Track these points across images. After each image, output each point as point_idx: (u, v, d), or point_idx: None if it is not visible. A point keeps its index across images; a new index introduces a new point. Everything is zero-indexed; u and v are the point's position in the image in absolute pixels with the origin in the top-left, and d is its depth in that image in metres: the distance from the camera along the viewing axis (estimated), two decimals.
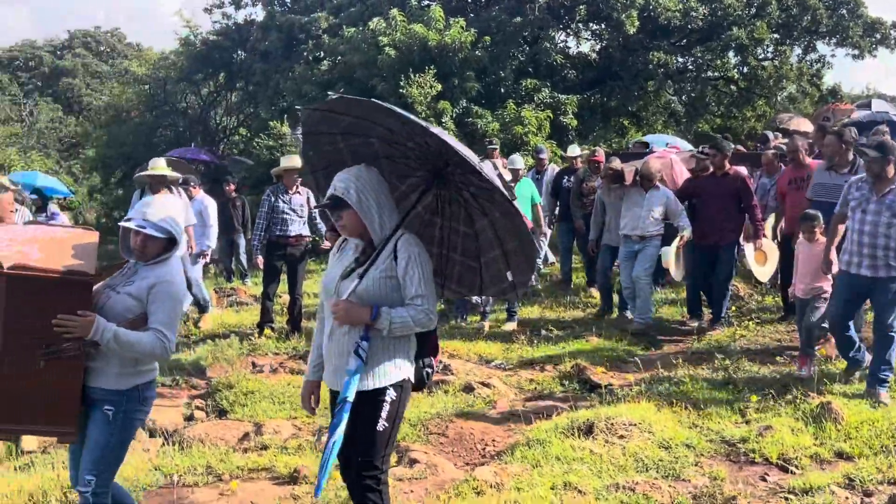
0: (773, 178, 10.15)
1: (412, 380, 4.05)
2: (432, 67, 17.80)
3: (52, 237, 4.29)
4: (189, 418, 7.49)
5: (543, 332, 9.88)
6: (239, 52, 25.03)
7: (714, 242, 9.34)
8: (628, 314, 10.11)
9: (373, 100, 3.88)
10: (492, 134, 17.30)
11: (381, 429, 3.89)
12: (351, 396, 3.78)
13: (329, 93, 3.38)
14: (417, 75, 17.64)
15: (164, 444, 6.74)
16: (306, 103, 19.11)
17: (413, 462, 5.94)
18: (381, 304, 3.87)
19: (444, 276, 4.40)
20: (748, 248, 9.47)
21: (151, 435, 7.02)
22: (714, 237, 9.32)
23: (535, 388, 7.94)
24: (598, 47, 22.61)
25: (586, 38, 23.10)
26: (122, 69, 31.03)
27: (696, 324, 9.63)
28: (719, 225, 9.28)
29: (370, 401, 3.89)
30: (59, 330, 3.95)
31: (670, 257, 9.37)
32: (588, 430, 6.12)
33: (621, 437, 6.04)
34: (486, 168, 3.92)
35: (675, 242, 9.38)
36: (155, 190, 9.84)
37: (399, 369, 3.96)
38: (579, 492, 5.20)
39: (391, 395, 3.90)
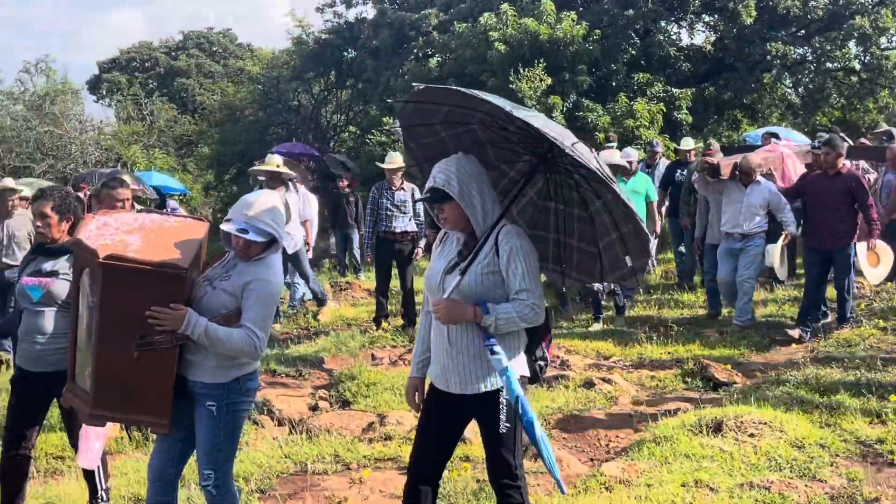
0: None
1: (527, 376, 3.91)
2: (542, 62, 17.71)
3: (159, 226, 4.28)
4: (314, 408, 7.66)
5: (661, 329, 9.74)
6: (349, 50, 25.40)
7: (827, 248, 8.87)
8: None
9: (456, 87, 3.79)
10: (603, 128, 17.14)
11: (504, 430, 3.77)
12: (518, 390, 3.66)
13: (414, 84, 3.37)
14: (527, 70, 17.59)
15: (290, 432, 6.92)
16: None
17: (537, 456, 5.94)
18: (486, 300, 3.73)
19: (563, 264, 4.21)
20: (860, 248, 9.05)
21: (279, 424, 7.23)
22: (827, 241, 8.83)
23: (657, 386, 7.84)
24: (712, 39, 22.12)
25: (700, 30, 22.62)
26: (236, 69, 31.86)
27: (798, 334, 9.00)
28: (832, 227, 8.78)
29: (488, 403, 3.80)
30: (152, 321, 3.94)
31: (774, 256, 9.08)
32: (717, 428, 6.00)
33: (751, 435, 5.90)
34: (582, 150, 3.65)
35: (780, 241, 9.10)
36: (270, 186, 10.06)
37: (512, 368, 3.76)
38: (711, 489, 5.11)
39: (505, 395, 3.76)
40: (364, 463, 6.00)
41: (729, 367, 7.98)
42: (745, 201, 9.29)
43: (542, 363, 3.97)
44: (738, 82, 20.49)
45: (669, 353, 8.80)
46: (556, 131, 3.59)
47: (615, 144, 13.35)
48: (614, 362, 8.65)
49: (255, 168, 11.25)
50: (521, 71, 17.54)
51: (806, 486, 5.17)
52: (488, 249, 3.76)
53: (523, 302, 3.70)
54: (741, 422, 6.02)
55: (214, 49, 49.41)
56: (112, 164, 23.93)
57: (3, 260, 9.76)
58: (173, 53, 48.28)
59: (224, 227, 4.13)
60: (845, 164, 9.12)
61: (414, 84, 3.99)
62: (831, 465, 5.56)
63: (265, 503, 5.40)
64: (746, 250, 9.28)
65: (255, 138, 25.45)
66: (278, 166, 10.45)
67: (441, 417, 3.92)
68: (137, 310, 3.93)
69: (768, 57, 19.88)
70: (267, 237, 4.13)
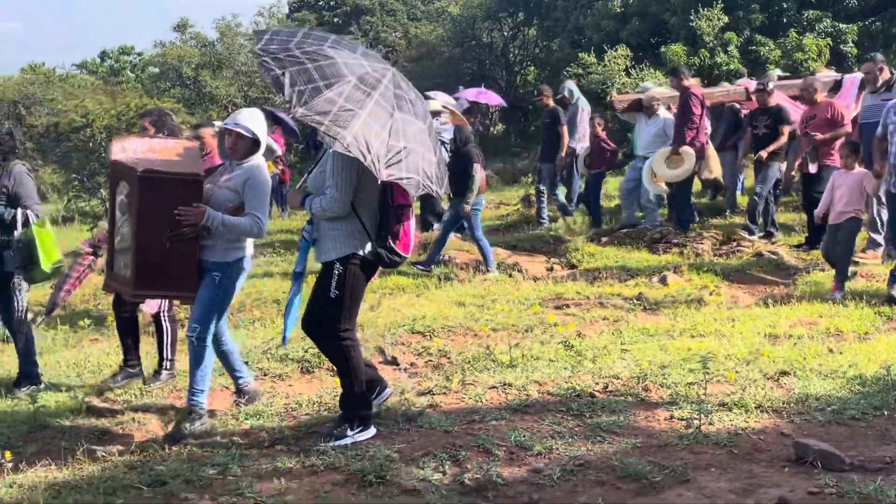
0: None
1: (360, 254, 4.75)
2: (720, 1, 19.79)
3: (164, 147, 5.34)
4: (549, 269, 10.63)
5: None
6: None
7: None
8: None
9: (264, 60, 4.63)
10: (773, 61, 19.10)
11: (333, 296, 4.73)
12: (299, 268, 4.96)
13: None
14: (706, 9, 19.74)
15: (534, 280, 9.89)
16: (605, 38, 21.75)
17: None
18: (317, 194, 4.75)
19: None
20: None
21: (524, 278, 10.21)
22: None
23: None
24: None
25: None
26: (436, 9, 34.67)
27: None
28: None
29: (323, 271, 4.81)
30: (180, 218, 4.98)
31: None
32: None
33: None
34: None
35: None
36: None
37: (341, 247, 4.73)
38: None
39: (338, 268, 4.73)
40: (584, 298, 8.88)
41: None
42: None
43: (382, 251, 4.75)
44: None
45: None
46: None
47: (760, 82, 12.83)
48: None
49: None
50: (700, 10, 19.69)
51: None
52: (324, 156, 4.84)
53: (325, 195, 4.70)
54: None
55: None
56: None
57: None
58: None
59: (218, 123, 5.85)
60: None
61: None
62: None
63: (543, 306, 8.28)
64: None
65: (451, 73, 28.34)
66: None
67: None
68: (167, 210, 4.97)
69: None
70: (251, 134, 5.17)
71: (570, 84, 13.81)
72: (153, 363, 6.56)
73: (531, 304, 8.13)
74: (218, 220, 5.03)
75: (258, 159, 5.27)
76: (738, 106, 12.41)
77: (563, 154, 12.53)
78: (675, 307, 7.91)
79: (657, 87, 13.46)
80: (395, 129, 4.59)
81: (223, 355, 5.63)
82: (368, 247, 4.76)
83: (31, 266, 6.43)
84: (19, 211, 6.36)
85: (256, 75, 25.73)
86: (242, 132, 5.13)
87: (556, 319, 7.32)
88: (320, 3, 51.95)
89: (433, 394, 5.63)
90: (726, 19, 19.79)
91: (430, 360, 6.63)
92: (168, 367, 6.40)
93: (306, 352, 6.56)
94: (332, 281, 4.70)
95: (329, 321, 4.76)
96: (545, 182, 12.99)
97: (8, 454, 4.72)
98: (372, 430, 4.86)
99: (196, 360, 5.27)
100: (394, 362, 6.71)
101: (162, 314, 6.41)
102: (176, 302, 6.57)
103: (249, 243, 5.50)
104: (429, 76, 29.10)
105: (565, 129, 12.46)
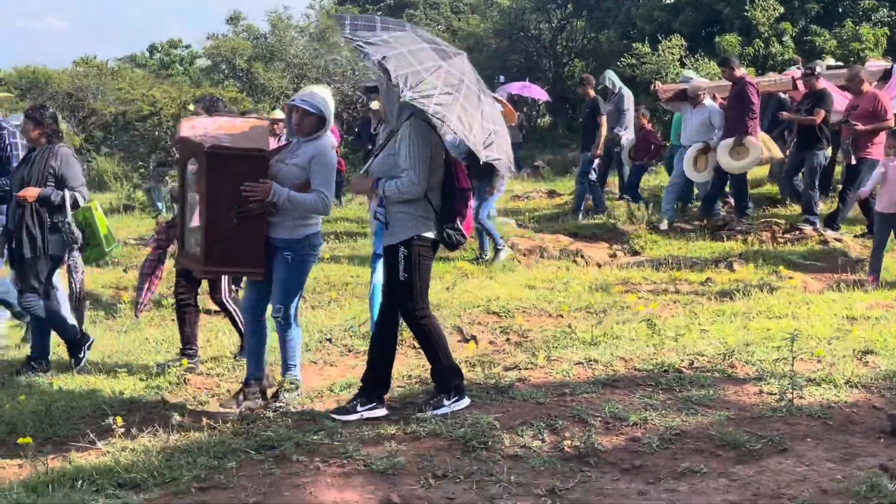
0: None
1: (431, 237, 4.84)
2: None
3: (232, 125, 5.38)
4: (612, 255, 10.70)
5: None
6: None
7: None
8: None
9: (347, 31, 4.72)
10: (829, 51, 18.98)
11: (403, 278, 4.81)
12: (378, 250, 5.06)
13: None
14: None
15: (598, 267, 9.98)
16: (657, 28, 21.72)
17: None
18: (389, 177, 4.75)
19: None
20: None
21: (587, 264, 10.31)
22: None
23: None
24: None
25: None
26: (484, 0, 34.74)
27: None
28: None
29: (390, 255, 4.87)
30: (247, 194, 4.99)
31: None
32: None
33: None
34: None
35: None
36: None
37: (407, 230, 4.78)
38: None
39: (403, 251, 4.78)
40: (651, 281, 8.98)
41: None
42: None
43: (451, 232, 4.85)
44: None
45: None
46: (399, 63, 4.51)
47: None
48: None
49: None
50: (756, 0, 19.59)
51: None
52: (393, 139, 4.82)
53: (402, 178, 4.71)
54: None
55: None
56: None
57: None
58: None
59: (287, 102, 5.41)
60: None
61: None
62: None
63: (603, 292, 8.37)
64: None
65: (498, 65, 28.42)
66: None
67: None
68: (234, 186, 4.99)
69: None
70: (316, 111, 5.17)
71: (611, 74, 13.86)
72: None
73: (602, 287, 8.21)
74: (284, 196, 5.03)
75: (325, 136, 5.30)
76: (783, 95, 12.40)
77: (601, 143, 12.55)
78: (747, 291, 7.95)
79: (699, 77, 13.56)
80: (484, 112, 4.70)
81: (263, 341, 5.55)
82: (433, 228, 4.83)
83: (84, 247, 6.55)
84: (67, 193, 6.40)
85: (308, 67, 25.97)
86: (309, 109, 5.15)
87: (635, 299, 7.41)
88: None
89: (520, 368, 5.75)
90: (782, 9, 19.69)
91: (511, 339, 6.75)
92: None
93: None
94: (399, 264, 4.77)
95: (402, 303, 4.85)
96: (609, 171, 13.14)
97: (119, 419, 4.89)
98: (467, 400, 4.98)
99: (285, 338, 5.38)
100: (472, 340, 6.84)
101: (226, 299, 6.49)
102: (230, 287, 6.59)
103: (319, 219, 5.50)
104: (475, 68, 29.24)
105: (604, 119, 12.50)
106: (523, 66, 29.10)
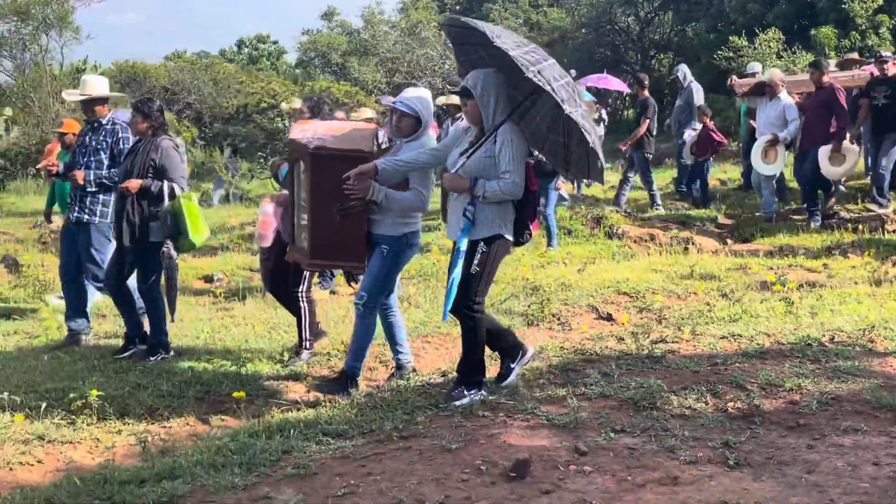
0: None
1: (510, 238, 5.05)
2: None
3: (339, 127, 5.65)
4: (724, 243, 11.02)
5: None
6: None
7: None
8: None
9: (462, 18, 4.92)
10: None
11: (474, 272, 4.96)
12: (462, 246, 4.92)
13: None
14: None
15: (714, 254, 10.29)
16: (750, 20, 21.77)
17: None
18: (481, 178, 4.88)
19: (566, 162, 5.35)
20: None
21: (698, 251, 10.63)
22: None
23: None
24: None
25: None
26: None
27: None
28: None
29: (470, 250, 4.97)
30: (348, 192, 5.20)
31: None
32: None
33: None
34: (546, 75, 4.64)
35: None
36: None
37: (491, 228, 4.94)
38: None
39: (482, 247, 4.96)
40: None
41: None
42: None
43: (527, 232, 5.11)
44: None
45: None
46: (529, 59, 4.60)
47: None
48: None
49: None
50: None
51: None
52: (489, 141, 4.91)
53: (506, 180, 4.88)
54: None
55: None
56: None
57: None
58: None
59: (384, 100, 6.33)
60: None
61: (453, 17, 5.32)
62: None
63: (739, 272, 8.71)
64: None
65: (584, 58, 28.67)
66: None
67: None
68: (337, 185, 5.20)
69: None
70: (413, 112, 5.39)
71: (684, 67, 13.99)
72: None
73: (736, 268, 8.54)
74: (383, 194, 5.24)
75: (425, 137, 5.49)
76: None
77: (633, 141, 12.80)
78: (869, 274, 8.20)
79: (772, 69, 13.64)
80: (582, 112, 4.91)
81: (389, 327, 5.87)
82: (511, 228, 5.04)
83: (178, 237, 6.73)
84: (165, 183, 6.58)
85: (400, 61, 26.55)
86: (405, 110, 5.39)
87: (774, 279, 7.73)
88: None
89: (667, 342, 6.15)
90: (880, 1, 19.60)
91: (648, 316, 7.14)
92: (308, 346, 6.55)
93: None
94: (475, 258, 4.94)
95: (464, 294, 4.97)
96: (632, 169, 13.30)
97: (242, 393, 5.42)
98: (484, 392, 5.11)
99: (359, 327, 5.58)
100: (608, 318, 7.26)
101: (301, 295, 6.57)
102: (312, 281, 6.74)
103: (418, 218, 5.65)
104: (561, 61, 29.49)
105: (648, 122, 12.68)
106: (610, 60, 29.31)
